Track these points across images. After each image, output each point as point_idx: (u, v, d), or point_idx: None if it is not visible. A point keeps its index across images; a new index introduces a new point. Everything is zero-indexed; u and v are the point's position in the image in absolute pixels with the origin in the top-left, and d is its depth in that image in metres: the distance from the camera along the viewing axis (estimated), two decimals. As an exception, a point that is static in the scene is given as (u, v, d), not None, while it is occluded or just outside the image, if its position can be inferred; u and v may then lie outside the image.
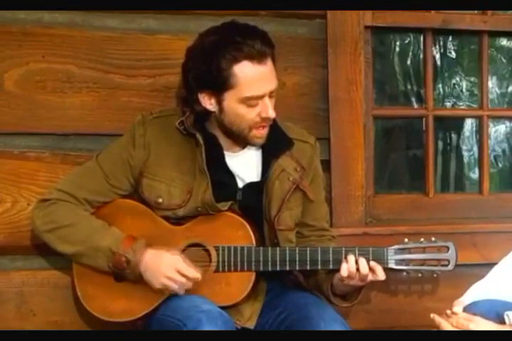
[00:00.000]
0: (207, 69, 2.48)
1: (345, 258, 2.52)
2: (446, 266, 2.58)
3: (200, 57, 2.50)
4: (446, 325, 2.32)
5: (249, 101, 2.51)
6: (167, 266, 2.48)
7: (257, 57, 2.48)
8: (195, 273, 2.49)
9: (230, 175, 2.60)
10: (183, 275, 2.48)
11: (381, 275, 2.53)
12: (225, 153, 2.60)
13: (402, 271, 2.57)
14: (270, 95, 2.54)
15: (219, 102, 2.53)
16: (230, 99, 2.51)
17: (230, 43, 2.47)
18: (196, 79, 2.53)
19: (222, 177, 2.58)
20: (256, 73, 2.49)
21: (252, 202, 2.59)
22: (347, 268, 2.50)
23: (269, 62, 2.52)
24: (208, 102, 2.54)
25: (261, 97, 2.52)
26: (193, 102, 2.56)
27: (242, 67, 2.48)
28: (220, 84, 2.49)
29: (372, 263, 2.52)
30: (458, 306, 2.35)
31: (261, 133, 2.57)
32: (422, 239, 2.58)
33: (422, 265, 2.57)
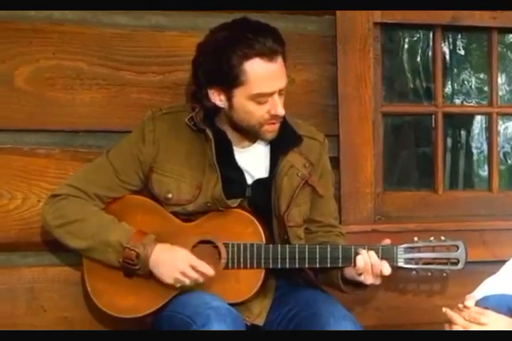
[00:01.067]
0: (217, 66, 2.48)
1: (358, 252, 2.52)
2: (456, 264, 2.57)
3: (210, 52, 2.51)
4: (458, 319, 2.32)
5: (258, 99, 2.51)
6: (181, 261, 2.49)
7: (268, 55, 2.48)
8: (209, 268, 2.49)
9: (239, 171, 2.60)
10: (197, 271, 2.49)
11: (387, 269, 2.52)
12: (234, 148, 2.60)
13: (411, 269, 2.57)
14: (280, 93, 2.53)
15: (229, 99, 2.53)
16: (239, 96, 2.51)
17: (242, 40, 2.47)
18: (206, 74, 2.53)
19: (231, 174, 2.57)
20: (266, 70, 2.49)
21: (261, 199, 2.59)
22: (362, 259, 2.50)
23: (279, 60, 2.52)
24: (218, 98, 2.54)
25: (270, 95, 2.51)
26: (203, 98, 2.56)
27: (253, 64, 2.48)
28: (230, 81, 2.49)
29: (381, 262, 2.52)
30: (470, 300, 2.35)
31: (272, 128, 2.57)
32: (432, 238, 2.57)
33: (432, 264, 2.56)
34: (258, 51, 2.47)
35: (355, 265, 2.53)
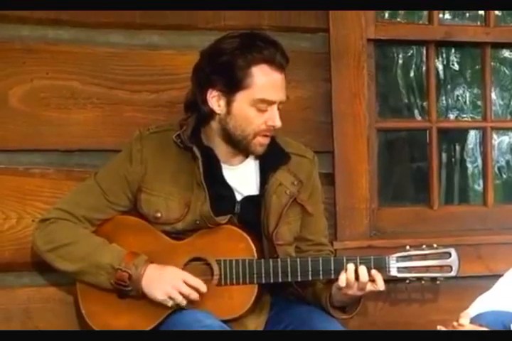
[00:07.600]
0: (223, 67, 2.49)
1: (345, 267, 2.50)
2: (449, 272, 2.55)
3: (217, 56, 2.51)
4: (452, 337, 2.31)
5: (259, 105, 2.51)
6: (173, 276, 2.49)
7: (276, 64, 2.51)
8: (201, 284, 2.49)
9: (228, 189, 2.59)
10: (190, 286, 2.48)
11: (381, 285, 2.50)
12: (223, 165, 2.60)
13: (404, 279, 2.55)
14: (278, 106, 2.55)
15: (228, 103, 2.52)
16: (241, 101, 2.52)
17: (252, 46, 2.49)
18: (210, 77, 2.52)
19: (220, 191, 2.57)
20: (272, 78, 2.52)
21: (250, 216, 2.58)
22: (345, 277, 2.48)
23: (283, 74, 2.55)
24: (217, 103, 2.54)
25: (271, 103, 2.52)
26: (201, 102, 2.55)
27: (260, 70, 2.50)
28: (235, 83, 2.50)
29: (373, 271, 2.50)
30: (464, 318, 2.34)
31: (264, 141, 2.56)
32: (424, 246, 2.56)
33: (425, 272, 2.54)
34: (267, 58, 2.50)
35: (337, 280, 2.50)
